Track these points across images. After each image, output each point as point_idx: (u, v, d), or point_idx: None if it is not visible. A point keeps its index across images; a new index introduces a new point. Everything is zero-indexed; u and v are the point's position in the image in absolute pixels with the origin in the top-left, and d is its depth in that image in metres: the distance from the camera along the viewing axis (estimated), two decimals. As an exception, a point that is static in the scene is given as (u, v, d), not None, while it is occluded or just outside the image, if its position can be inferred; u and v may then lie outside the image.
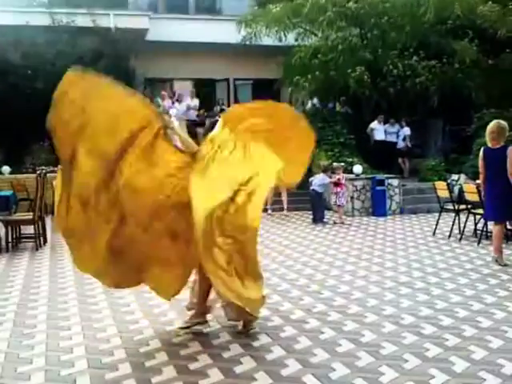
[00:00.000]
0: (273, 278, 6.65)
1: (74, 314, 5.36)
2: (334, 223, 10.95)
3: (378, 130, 14.87)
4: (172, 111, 14.89)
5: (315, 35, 15.86)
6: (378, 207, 12.00)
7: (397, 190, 12.27)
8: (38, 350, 4.46)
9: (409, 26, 14.34)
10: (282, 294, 5.95)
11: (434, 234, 9.49)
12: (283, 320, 5.09)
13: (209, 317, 4.98)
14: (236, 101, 18.81)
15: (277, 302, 5.68)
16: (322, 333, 4.74)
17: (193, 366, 4.09)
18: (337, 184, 11.09)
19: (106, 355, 4.32)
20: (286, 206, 12.15)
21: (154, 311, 5.43)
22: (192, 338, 4.69)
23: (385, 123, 14.99)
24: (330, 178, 11.12)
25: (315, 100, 16.37)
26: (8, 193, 9.43)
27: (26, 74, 13.89)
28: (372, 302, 5.62)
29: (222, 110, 15.65)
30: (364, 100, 14.96)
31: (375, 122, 14.85)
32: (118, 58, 15.12)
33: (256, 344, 4.52)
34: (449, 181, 10.84)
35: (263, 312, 5.31)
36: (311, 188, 11.04)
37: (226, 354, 4.29)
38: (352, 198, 12.02)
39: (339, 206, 11.15)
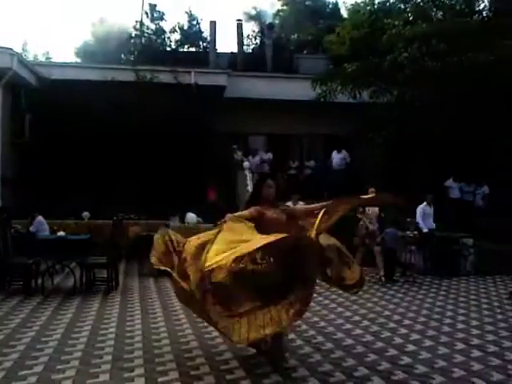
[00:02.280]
0: (338, 333, 6.54)
1: (138, 357, 5.45)
2: (405, 281, 10.62)
3: (454, 189, 14.52)
4: (245, 164, 15.29)
5: (390, 93, 15.88)
6: (451, 267, 11.56)
7: (471, 250, 11.81)
8: (101, 389, 4.57)
9: (494, 85, 14.02)
10: (347, 350, 5.81)
11: (510, 296, 9.01)
12: (345, 376, 4.96)
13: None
14: (308, 156, 19.00)
15: (340, 357, 5.56)
16: (385, 392, 4.58)
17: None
18: (410, 242, 10.82)
19: (165, 398, 4.38)
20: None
21: (216, 358, 5.45)
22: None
23: (460, 181, 14.60)
24: (405, 232, 10.86)
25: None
26: (85, 237, 9.85)
27: (108, 126, 14.67)
28: (440, 363, 5.38)
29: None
30: (441, 157, 14.70)
31: (450, 180, 14.51)
32: (196, 112, 15.72)
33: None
34: (528, 242, 10.34)
35: (325, 366, 5.23)
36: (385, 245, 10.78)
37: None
38: (424, 256, 11.67)
39: (411, 264, 10.84)
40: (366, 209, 10.89)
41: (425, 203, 11.71)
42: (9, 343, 5.89)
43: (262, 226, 5.16)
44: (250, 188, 13.84)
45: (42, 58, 28.20)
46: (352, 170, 16.60)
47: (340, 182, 15.15)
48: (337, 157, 17.04)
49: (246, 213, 5.37)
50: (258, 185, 5.75)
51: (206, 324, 6.61)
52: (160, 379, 4.82)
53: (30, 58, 25.79)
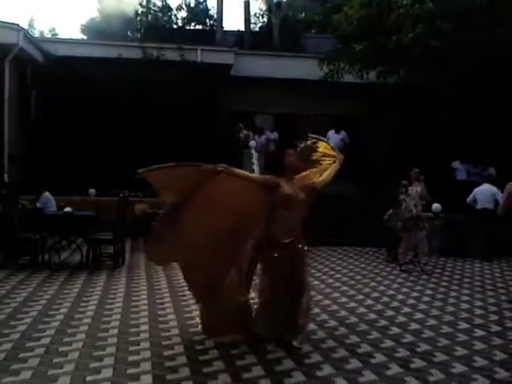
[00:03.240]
0: (341, 311, 6.58)
1: (144, 331, 5.52)
2: (410, 262, 10.62)
3: (460, 171, 14.38)
4: (251, 143, 15.27)
5: (397, 73, 15.73)
6: (456, 248, 11.55)
7: (477, 232, 11.77)
8: (107, 362, 4.62)
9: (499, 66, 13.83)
10: (350, 327, 5.86)
11: (516, 278, 9.03)
12: (349, 352, 5.00)
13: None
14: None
15: (344, 334, 5.61)
16: (388, 368, 4.61)
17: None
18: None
19: (171, 372, 4.42)
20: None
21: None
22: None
23: (468, 162, 14.48)
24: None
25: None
26: (91, 213, 9.88)
27: (114, 103, 14.65)
28: (443, 341, 5.42)
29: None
30: (449, 138, 14.58)
31: (457, 161, 14.41)
32: (203, 91, 15.66)
33: (319, 374, 4.48)
34: (535, 224, 10.26)
35: (329, 343, 5.26)
36: (388, 224, 10.77)
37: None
38: (429, 237, 11.64)
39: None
40: (409, 189, 9.95)
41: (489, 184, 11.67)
42: (16, 316, 5.97)
43: (274, 201, 5.05)
44: (255, 167, 13.80)
45: (48, 35, 28.13)
46: (352, 152, 16.02)
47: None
48: (334, 137, 15.66)
49: (260, 177, 5.30)
50: (279, 153, 5.40)
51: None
52: (165, 353, 4.88)
53: (37, 34, 25.74)
